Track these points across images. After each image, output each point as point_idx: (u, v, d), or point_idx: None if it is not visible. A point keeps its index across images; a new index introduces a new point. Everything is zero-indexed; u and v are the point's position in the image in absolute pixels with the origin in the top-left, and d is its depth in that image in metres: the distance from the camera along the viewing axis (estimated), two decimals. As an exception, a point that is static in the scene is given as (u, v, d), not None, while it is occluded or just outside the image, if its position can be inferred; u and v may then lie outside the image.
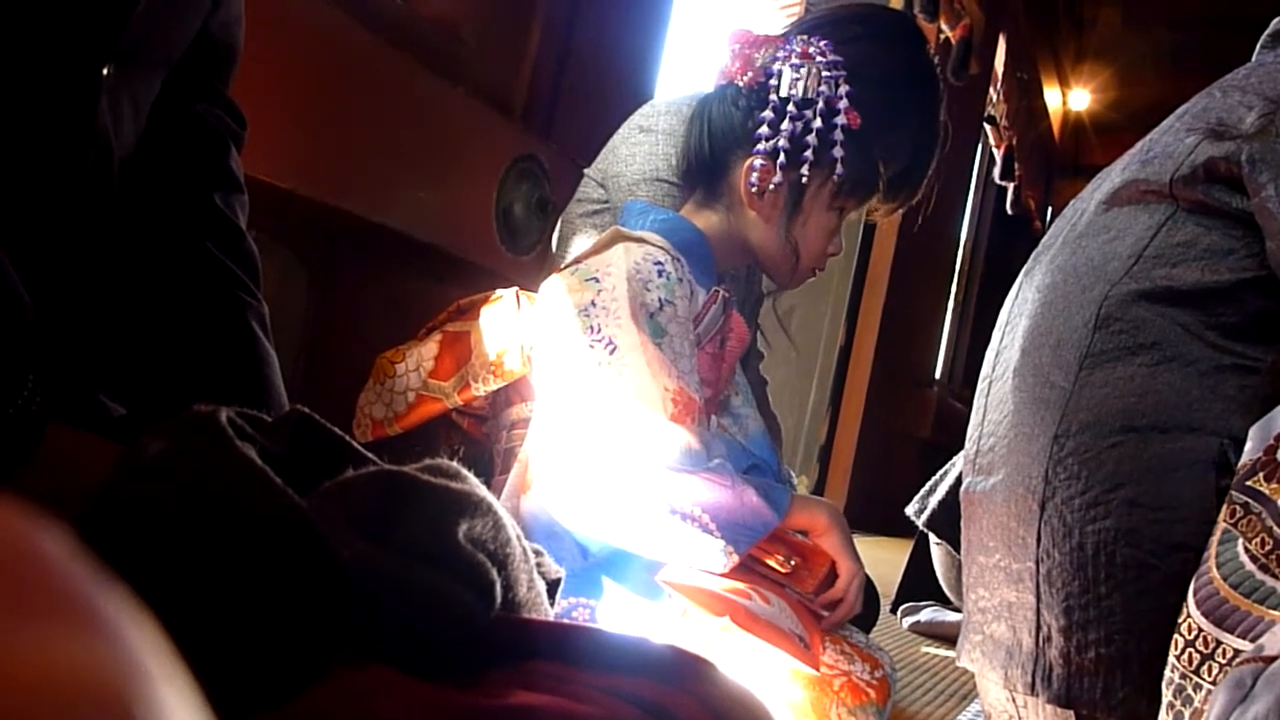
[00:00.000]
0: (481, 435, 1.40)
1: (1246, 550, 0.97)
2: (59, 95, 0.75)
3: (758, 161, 1.29)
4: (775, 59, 1.31)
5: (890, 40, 1.43)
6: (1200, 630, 0.98)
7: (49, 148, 0.75)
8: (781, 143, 1.28)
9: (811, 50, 1.30)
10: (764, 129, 1.29)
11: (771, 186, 1.30)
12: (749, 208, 1.34)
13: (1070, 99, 7.35)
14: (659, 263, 1.22)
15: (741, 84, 1.32)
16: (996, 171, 6.18)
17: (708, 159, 1.36)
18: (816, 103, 1.29)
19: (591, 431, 1.13)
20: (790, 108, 1.29)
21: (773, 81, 1.30)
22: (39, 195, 0.75)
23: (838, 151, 1.28)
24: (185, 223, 0.91)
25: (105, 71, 0.77)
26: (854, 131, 1.29)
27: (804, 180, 1.29)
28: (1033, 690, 1.15)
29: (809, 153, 1.28)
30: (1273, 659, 0.78)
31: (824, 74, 1.29)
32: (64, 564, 0.21)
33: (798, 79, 1.28)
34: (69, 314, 0.79)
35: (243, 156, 1.01)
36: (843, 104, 1.29)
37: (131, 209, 0.87)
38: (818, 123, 1.28)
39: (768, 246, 1.36)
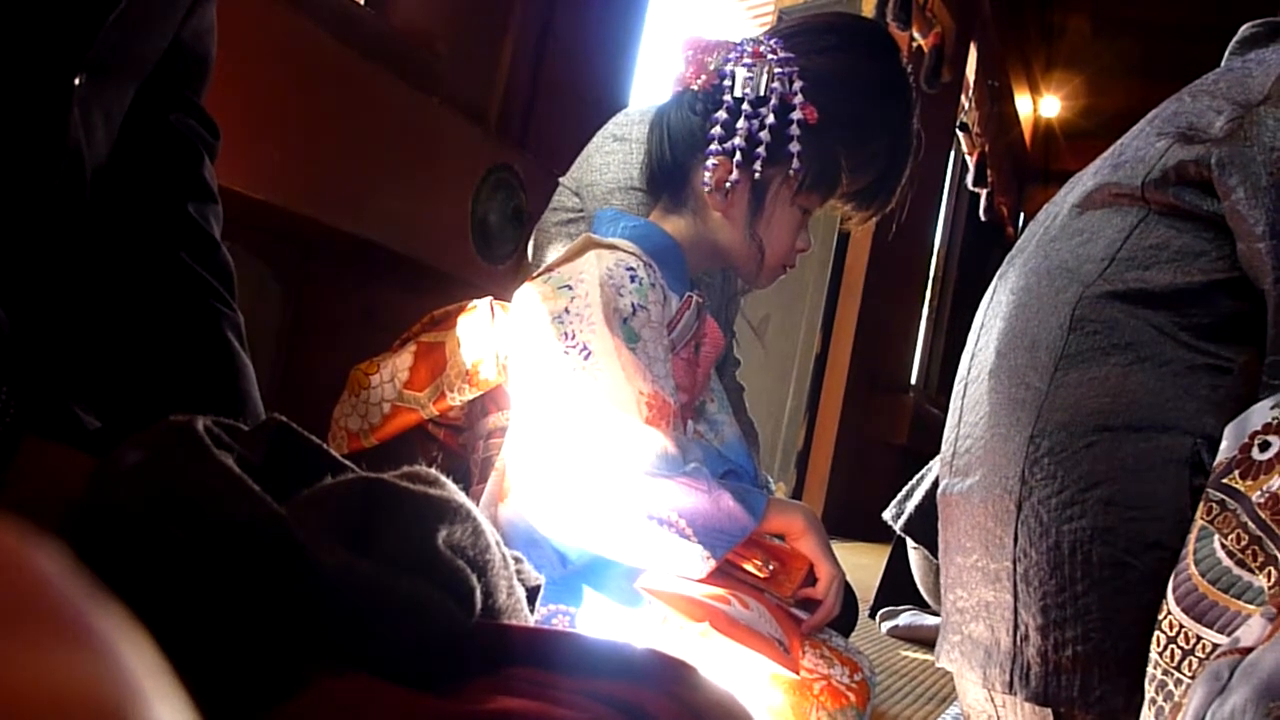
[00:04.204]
0: (458, 446, 1.40)
1: (1223, 546, 0.98)
2: (30, 106, 0.74)
3: (711, 161, 1.30)
4: (727, 61, 1.32)
5: (863, 49, 1.43)
6: (1180, 626, 0.99)
7: (20, 159, 0.75)
8: (738, 141, 1.29)
9: (763, 49, 1.31)
10: (718, 129, 1.30)
11: (729, 184, 1.31)
12: (713, 209, 1.35)
13: (1041, 106, 7.41)
14: (631, 268, 1.22)
15: (696, 88, 1.33)
16: (969, 178, 6.22)
17: (669, 165, 1.36)
18: (770, 99, 1.30)
19: (568, 437, 1.13)
20: (745, 106, 1.30)
21: (726, 83, 1.31)
22: (10, 207, 0.74)
23: (794, 146, 1.29)
24: (159, 233, 0.91)
25: (76, 82, 0.76)
26: (811, 126, 1.30)
27: (761, 176, 1.30)
28: (1011, 689, 1.15)
29: (762, 149, 1.29)
30: (1249, 650, 0.78)
31: (776, 71, 1.30)
32: (59, 581, 0.21)
33: (750, 78, 1.30)
34: (43, 326, 0.78)
35: (217, 167, 1.01)
36: (798, 99, 1.30)
37: (105, 220, 0.86)
38: (772, 119, 1.29)
39: (733, 246, 1.37)
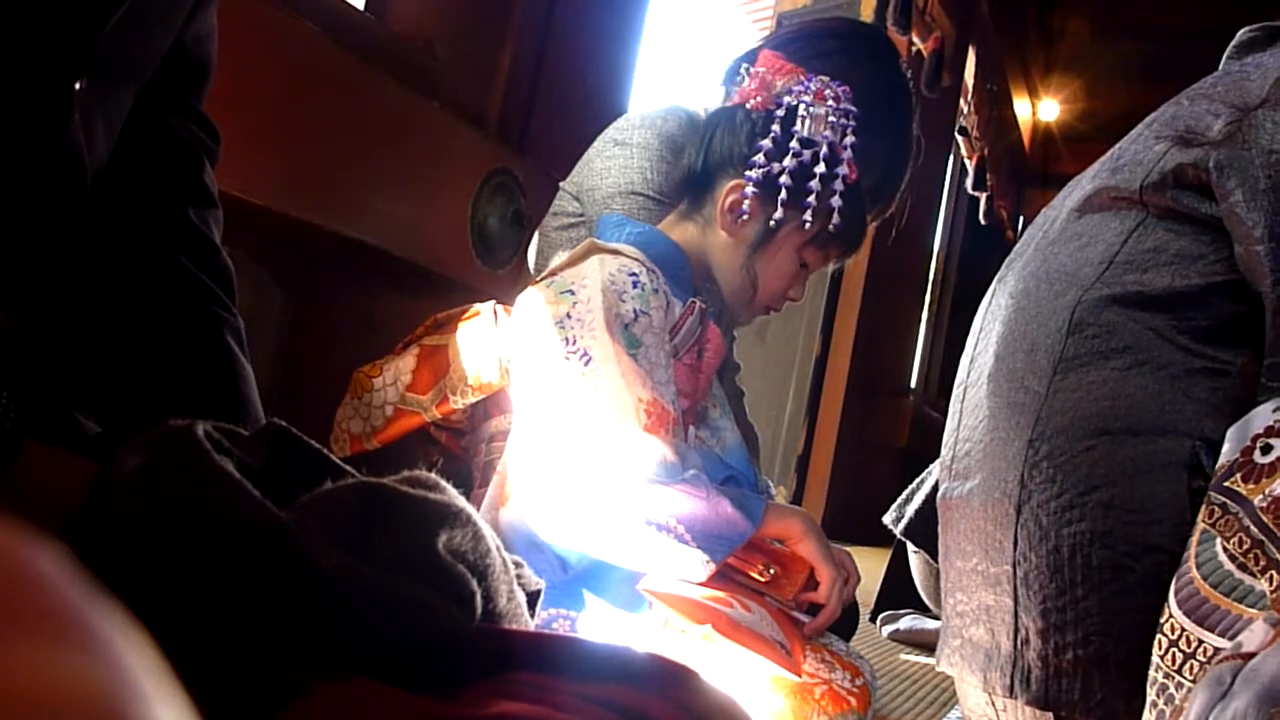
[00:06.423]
0: (460, 449, 1.40)
1: (1225, 549, 0.98)
2: (31, 110, 0.74)
3: (749, 189, 1.29)
4: (790, 91, 1.31)
5: (864, 54, 1.43)
6: (1182, 630, 0.99)
7: (20, 163, 0.75)
8: (784, 180, 1.28)
9: (827, 93, 1.30)
10: (759, 157, 1.29)
11: (772, 223, 1.30)
12: (720, 228, 1.35)
13: (1040, 109, 7.41)
14: (634, 274, 1.22)
15: (750, 106, 1.32)
16: (969, 182, 6.21)
17: (699, 173, 1.36)
18: (819, 146, 1.29)
19: (568, 443, 1.13)
20: (793, 144, 1.29)
21: (779, 113, 1.30)
22: (11, 211, 0.75)
23: (836, 201, 1.28)
24: (159, 238, 0.91)
25: (78, 86, 0.77)
26: (849, 184, 1.30)
27: (781, 215, 1.30)
28: (1011, 692, 1.15)
29: (813, 198, 1.28)
30: (1251, 656, 0.78)
31: (831, 119, 1.29)
32: (60, 584, 0.21)
33: (806, 118, 1.29)
34: (44, 330, 0.78)
35: (217, 172, 1.01)
36: (846, 154, 1.29)
37: (105, 224, 0.86)
38: (821, 168, 1.28)
39: (727, 271, 1.37)
